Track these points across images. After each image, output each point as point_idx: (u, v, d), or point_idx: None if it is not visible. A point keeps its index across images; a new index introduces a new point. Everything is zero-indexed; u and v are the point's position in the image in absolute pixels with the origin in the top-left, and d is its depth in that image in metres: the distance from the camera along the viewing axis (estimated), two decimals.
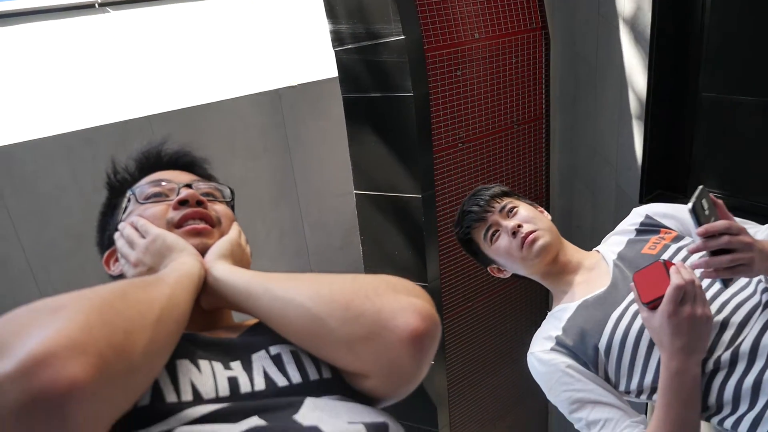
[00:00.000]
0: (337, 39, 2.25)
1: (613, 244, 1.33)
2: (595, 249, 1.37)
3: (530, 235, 1.28)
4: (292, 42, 2.64)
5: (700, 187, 1.01)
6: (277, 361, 0.63)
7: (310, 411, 0.56)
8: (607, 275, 1.25)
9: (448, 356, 2.67)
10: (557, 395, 1.16)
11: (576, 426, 1.16)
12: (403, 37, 2.10)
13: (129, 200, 0.85)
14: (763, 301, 1.07)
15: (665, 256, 1.19)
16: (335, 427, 0.54)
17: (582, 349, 1.17)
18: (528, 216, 1.33)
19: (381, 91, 2.24)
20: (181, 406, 0.54)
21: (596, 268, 1.30)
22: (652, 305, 1.02)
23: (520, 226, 1.30)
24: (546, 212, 1.42)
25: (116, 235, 0.82)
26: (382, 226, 2.48)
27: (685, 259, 1.16)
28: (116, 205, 0.89)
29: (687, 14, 2.36)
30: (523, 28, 2.47)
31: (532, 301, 2.95)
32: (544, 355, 1.19)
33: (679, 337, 1.00)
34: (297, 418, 0.54)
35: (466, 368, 2.80)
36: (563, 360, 1.17)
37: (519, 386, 3.00)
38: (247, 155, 2.40)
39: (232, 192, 0.91)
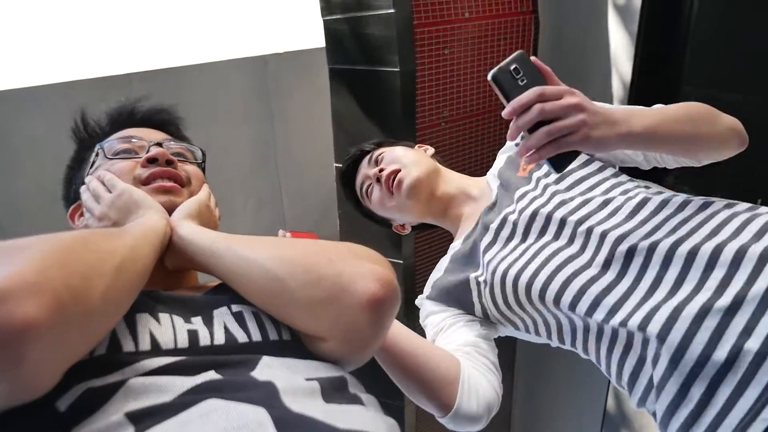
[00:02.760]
0: (327, 7, 2.22)
1: (498, 165, 1.18)
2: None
3: (395, 178, 1.14)
4: (280, 7, 2.59)
5: (518, 51, 0.81)
6: (239, 318, 0.63)
7: (267, 368, 0.56)
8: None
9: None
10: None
11: None
12: (393, 10, 2.08)
13: (97, 155, 0.84)
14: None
15: (536, 176, 1.04)
16: (291, 383, 0.54)
17: (455, 290, 1.08)
18: (393, 157, 1.19)
19: (367, 64, 2.22)
20: (139, 356, 0.54)
21: (483, 198, 1.16)
22: None
23: (382, 170, 1.17)
24: (430, 148, 1.27)
25: (82, 189, 0.81)
26: None
27: (557, 181, 0.99)
28: (84, 158, 0.88)
29: (676, 4, 2.37)
30: (513, 10, 2.46)
31: None
32: (420, 302, 1.14)
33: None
34: (254, 374, 0.54)
35: None
36: (429, 311, 1.10)
37: None
38: (229, 122, 2.37)
39: (203, 153, 0.90)
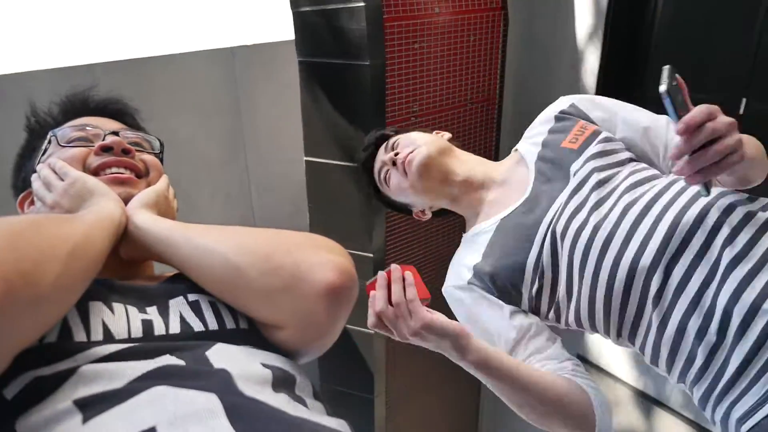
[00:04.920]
0: None
1: (535, 135, 1.19)
2: (515, 147, 1.23)
3: (406, 158, 1.18)
4: None
5: (668, 66, 0.78)
6: (195, 307, 0.63)
7: (222, 352, 0.56)
8: (525, 183, 1.13)
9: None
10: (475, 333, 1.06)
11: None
12: (362, 3, 2.07)
13: (50, 142, 0.82)
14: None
15: (590, 151, 1.06)
16: (245, 369, 0.54)
17: (505, 274, 1.06)
18: (407, 141, 1.23)
19: (337, 57, 2.21)
20: (90, 345, 0.53)
21: (510, 181, 1.17)
22: None
23: (397, 154, 1.20)
24: (446, 133, 1.32)
25: (33, 177, 0.79)
26: (330, 194, 2.47)
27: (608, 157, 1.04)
28: (35, 147, 0.85)
29: (641, 5, 2.41)
30: (483, 6, 2.47)
31: None
32: (459, 293, 1.12)
33: (429, 345, 0.93)
34: (209, 358, 0.54)
35: None
36: (478, 298, 1.09)
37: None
38: (196, 114, 2.33)
39: (161, 143, 0.88)
